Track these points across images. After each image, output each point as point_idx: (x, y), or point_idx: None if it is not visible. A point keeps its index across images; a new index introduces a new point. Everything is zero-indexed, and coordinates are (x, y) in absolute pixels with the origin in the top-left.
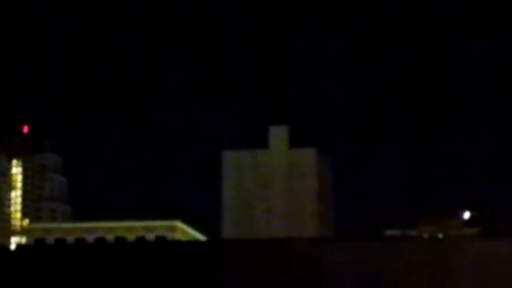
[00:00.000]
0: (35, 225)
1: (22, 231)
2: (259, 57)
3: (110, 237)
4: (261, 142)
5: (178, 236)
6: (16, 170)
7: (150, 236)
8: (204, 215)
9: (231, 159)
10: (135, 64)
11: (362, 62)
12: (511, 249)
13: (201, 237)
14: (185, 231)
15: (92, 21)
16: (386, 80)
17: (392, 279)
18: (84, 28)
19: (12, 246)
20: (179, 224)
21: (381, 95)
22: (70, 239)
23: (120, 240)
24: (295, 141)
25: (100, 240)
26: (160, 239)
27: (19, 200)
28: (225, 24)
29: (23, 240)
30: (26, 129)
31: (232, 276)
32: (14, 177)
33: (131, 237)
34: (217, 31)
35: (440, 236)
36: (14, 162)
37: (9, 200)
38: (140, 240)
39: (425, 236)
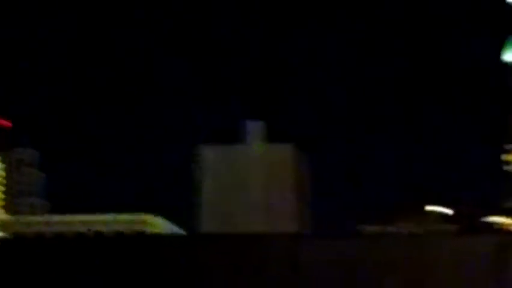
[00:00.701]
0: (12, 219)
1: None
2: (259, 57)
3: (86, 230)
4: (239, 137)
5: (156, 230)
6: None
7: (128, 230)
8: (182, 209)
9: (208, 153)
10: (135, 64)
11: (362, 62)
12: (490, 246)
13: (179, 231)
14: (163, 225)
15: (92, 21)
16: (386, 80)
17: (370, 276)
18: (84, 28)
19: None
20: (157, 219)
21: (381, 95)
22: (48, 232)
23: (97, 234)
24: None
25: (78, 235)
26: (139, 233)
27: None
28: (225, 24)
29: (0, 234)
30: (6, 124)
31: (209, 271)
32: None
33: (108, 230)
34: (217, 31)
35: (419, 232)
36: None
37: None
38: (119, 234)
39: (404, 232)
